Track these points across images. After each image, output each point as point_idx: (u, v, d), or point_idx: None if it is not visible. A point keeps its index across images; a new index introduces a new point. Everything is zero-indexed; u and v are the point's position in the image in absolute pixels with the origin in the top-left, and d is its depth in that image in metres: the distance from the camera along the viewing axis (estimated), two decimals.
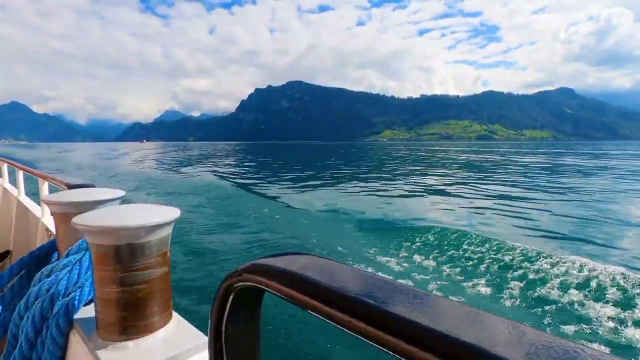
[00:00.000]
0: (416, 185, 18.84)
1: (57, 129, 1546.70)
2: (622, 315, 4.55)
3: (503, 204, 12.71)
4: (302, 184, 19.58)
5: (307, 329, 4.09)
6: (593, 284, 5.34)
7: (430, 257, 6.81)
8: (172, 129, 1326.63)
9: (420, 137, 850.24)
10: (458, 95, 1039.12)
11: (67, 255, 1.02)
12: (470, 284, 5.61)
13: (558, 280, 5.52)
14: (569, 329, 4.39)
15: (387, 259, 6.63)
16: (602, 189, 16.37)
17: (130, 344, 0.79)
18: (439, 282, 5.65)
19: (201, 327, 0.83)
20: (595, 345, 3.91)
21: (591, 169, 28.07)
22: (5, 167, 4.00)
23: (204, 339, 0.83)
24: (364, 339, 0.32)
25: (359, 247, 7.31)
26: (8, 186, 3.89)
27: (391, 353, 0.30)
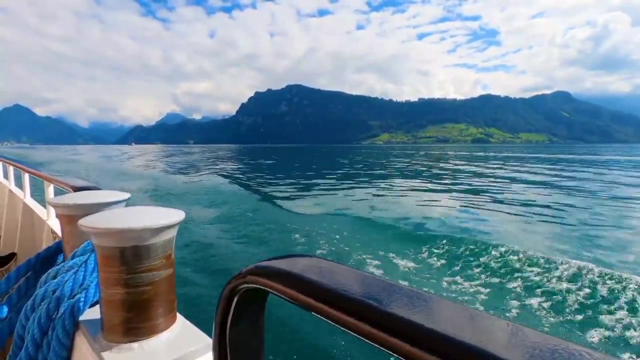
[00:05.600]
0: (414, 187, 18.84)
1: (59, 132, 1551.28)
2: (626, 319, 4.51)
3: (501, 206, 12.72)
4: (301, 186, 19.73)
5: (311, 330, 4.09)
6: (592, 286, 5.36)
7: (431, 258, 6.79)
8: (172, 131, 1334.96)
9: (417, 140, 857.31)
10: (455, 99, 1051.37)
11: (73, 257, 1.04)
12: (472, 286, 5.59)
13: (556, 283, 5.54)
14: (569, 331, 4.38)
15: (388, 260, 6.63)
16: (600, 191, 16.47)
17: (135, 345, 0.81)
18: (439, 284, 5.63)
19: (205, 329, 0.83)
20: (595, 348, 3.97)
21: (588, 171, 27.95)
22: (11, 169, 4.02)
23: (208, 341, 0.83)
24: (366, 340, 0.33)
25: (361, 248, 7.32)
26: (14, 189, 3.91)
27: (394, 355, 0.30)
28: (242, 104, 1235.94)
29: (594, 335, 4.29)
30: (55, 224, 2.31)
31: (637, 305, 4.83)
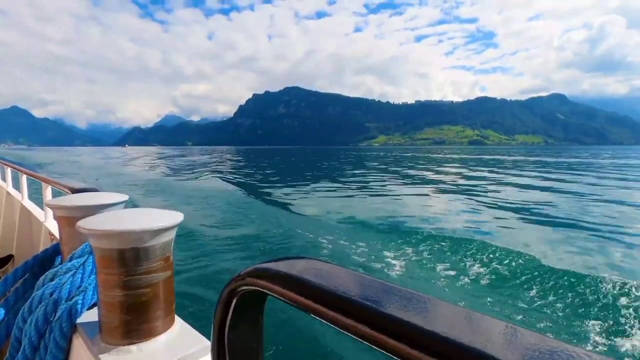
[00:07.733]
0: (411, 188, 18.81)
1: (57, 133, 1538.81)
2: (624, 322, 4.52)
3: (498, 206, 12.76)
4: (299, 188, 19.69)
5: (310, 332, 4.07)
6: (589, 288, 5.39)
7: (429, 260, 6.82)
8: (171, 133, 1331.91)
9: (414, 142, 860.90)
10: (452, 101, 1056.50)
11: (71, 259, 1.03)
12: (470, 287, 5.63)
13: (553, 285, 5.59)
14: (567, 333, 4.38)
15: (386, 262, 6.63)
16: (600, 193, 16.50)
17: (133, 348, 0.81)
18: (437, 286, 5.65)
19: (204, 331, 0.83)
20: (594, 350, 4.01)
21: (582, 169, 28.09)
22: (9, 171, 4.02)
23: (206, 343, 0.84)
24: (365, 342, 0.33)
25: (359, 250, 7.30)
26: (12, 190, 3.90)
27: (393, 357, 0.30)
28: (240, 106, 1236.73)
29: (592, 337, 4.29)
30: (53, 226, 2.31)
31: (633, 308, 4.85)
